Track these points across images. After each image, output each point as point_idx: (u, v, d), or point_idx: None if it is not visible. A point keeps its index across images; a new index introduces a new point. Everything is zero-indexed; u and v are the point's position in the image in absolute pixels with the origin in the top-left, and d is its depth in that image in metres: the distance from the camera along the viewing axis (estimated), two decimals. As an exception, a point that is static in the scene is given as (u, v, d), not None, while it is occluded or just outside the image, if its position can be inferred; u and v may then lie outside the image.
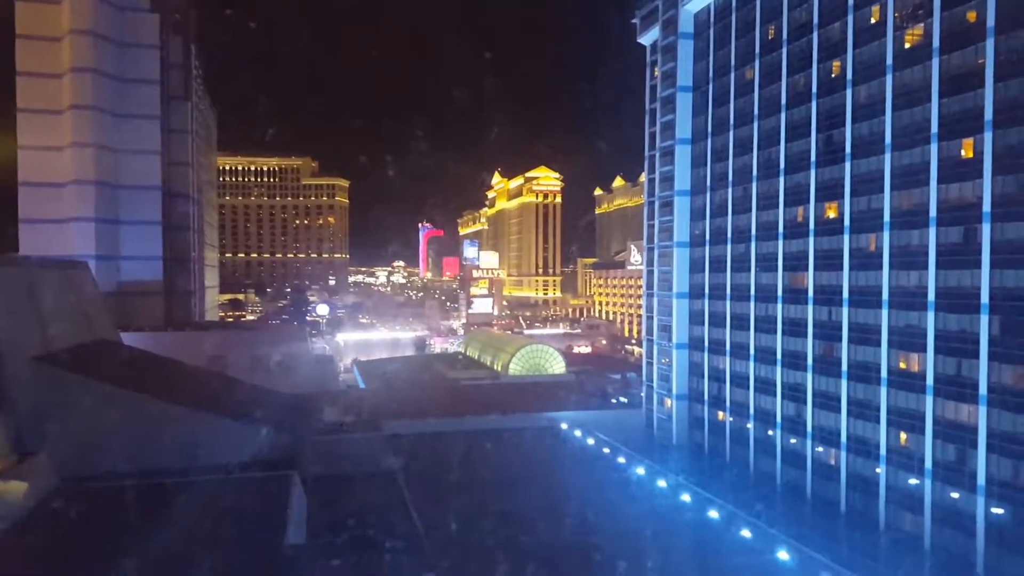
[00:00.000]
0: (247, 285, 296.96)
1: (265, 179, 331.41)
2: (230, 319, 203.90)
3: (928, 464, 53.10)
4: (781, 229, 69.59)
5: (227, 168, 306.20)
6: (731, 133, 77.25)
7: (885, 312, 57.15)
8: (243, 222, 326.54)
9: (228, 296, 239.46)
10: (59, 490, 40.59)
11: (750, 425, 73.32)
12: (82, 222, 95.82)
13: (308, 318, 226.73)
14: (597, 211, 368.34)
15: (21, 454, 41.24)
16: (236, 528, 38.19)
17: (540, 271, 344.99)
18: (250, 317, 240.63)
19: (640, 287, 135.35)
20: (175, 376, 62.14)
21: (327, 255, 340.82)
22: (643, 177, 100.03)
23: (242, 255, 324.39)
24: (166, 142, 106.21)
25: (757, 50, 73.25)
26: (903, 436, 55.60)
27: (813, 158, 65.37)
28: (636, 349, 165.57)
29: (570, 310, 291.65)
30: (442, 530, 51.69)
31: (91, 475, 42.18)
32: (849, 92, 61.19)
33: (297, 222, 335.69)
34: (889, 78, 57.05)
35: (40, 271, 57.16)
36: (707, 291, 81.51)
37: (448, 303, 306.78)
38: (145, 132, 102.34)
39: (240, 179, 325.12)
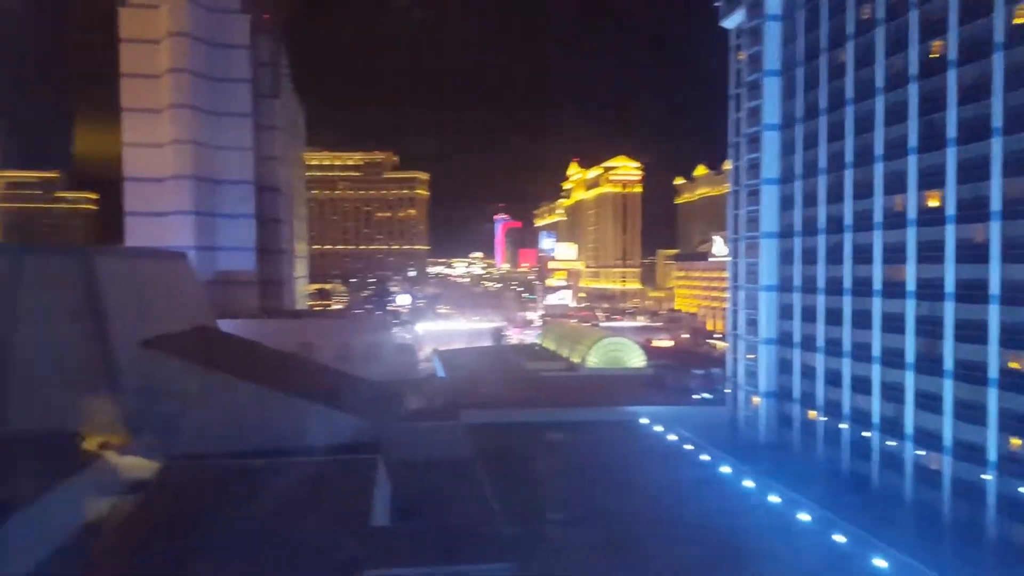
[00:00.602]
0: (333, 275, 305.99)
1: (349, 173, 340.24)
2: (318, 308, 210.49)
3: (1041, 470, 49.73)
4: (878, 219, 66.28)
5: (314, 163, 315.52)
6: (823, 118, 74.04)
7: (995, 308, 53.61)
8: (329, 215, 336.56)
9: (316, 286, 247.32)
10: (162, 467, 42.80)
11: (844, 425, 70.30)
12: (182, 215, 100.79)
13: (390, 308, 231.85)
14: (678, 201, 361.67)
15: (129, 432, 43.69)
16: (324, 509, 39.40)
17: (619, 262, 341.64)
18: (336, 306, 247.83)
19: (724, 279, 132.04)
20: (268, 361, 64.54)
21: (408, 246, 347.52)
22: (728, 165, 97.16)
23: (329, 246, 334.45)
24: (257, 138, 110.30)
25: (851, 31, 69.87)
26: (1014, 441, 52.16)
27: (913, 144, 61.92)
28: (719, 344, 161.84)
29: (650, 302, 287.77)
30: (519, 519, 51.79)
31: (190, 453, 44.30)
32: (953, 73, 57.59)
33: (380, 214, 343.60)
34: (999, 57, 53.37)
35: (144, 261, 60.35)
36: (798, 284, 78.56)
37: (525, 294, 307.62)
38: (238, 129, 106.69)
39: (326, 173, 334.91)
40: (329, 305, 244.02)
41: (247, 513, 37.31)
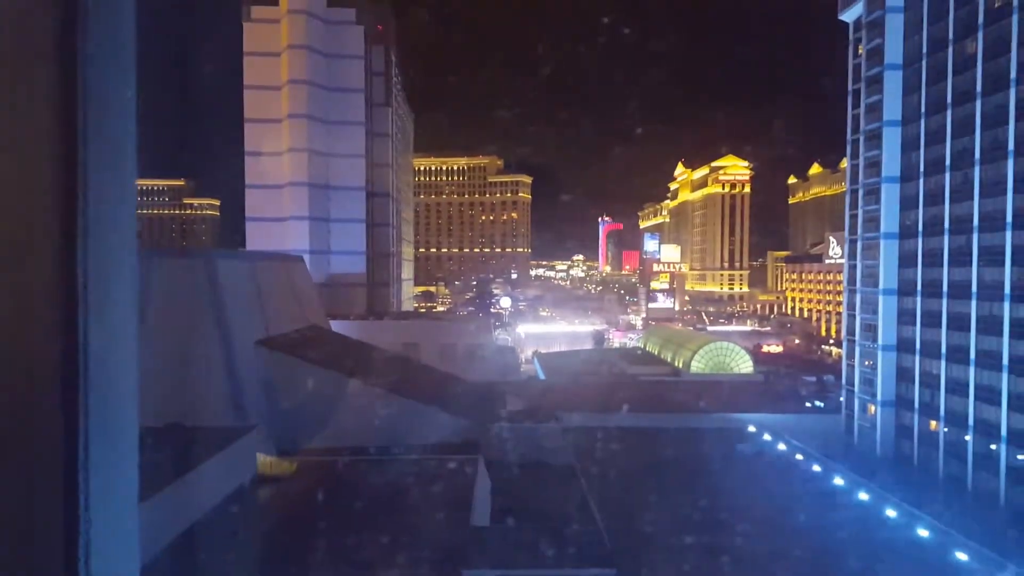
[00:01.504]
0: (438, 278, 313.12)
1: (454, 178, 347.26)
2: (423, 310, 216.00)
3: None
4: (1009, 219, 61.61)
5: (421, 168, 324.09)
6: (949, 113, 69.56)
7: None
8: (435, 218, 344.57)
9: (421, 288, 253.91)
10: (276, 461, 45.19)
11: (968, 437, 65.77)
12: (298, 220, 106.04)
13: (492, 310, 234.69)
14: (790, 201, 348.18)
15: (245, 427, 46.41)
16: (426, 507, 40.39)
17: (726, 264, 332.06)
18: (440, 308, 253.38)
19: (839, 282, 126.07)
20: (376, 361, 66.92)
21: (510, 249, 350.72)
22: (844, 163, 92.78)
23: (434, 250, 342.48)
24: (369, 146, 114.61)
25: (980, 20, 65.33)
26: None
27: (1051, 138, 57.29)
28: (834, 350, 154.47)
29: (758, 306, 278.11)
30: (620, 526, 51.31)
31: (302, 448, 46.52)
32: (1101, 60, 52.91)
33: (483, 218, 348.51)
34: None
35: (263, 263, 63.91)
36: (919, 287, 74.09)
37: (627, 297, 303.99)
38: (352, 137, 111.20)
39: (432, 178, 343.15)
40: (434, 307, 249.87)
41: (352, 509, 38.81)
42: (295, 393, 48.90)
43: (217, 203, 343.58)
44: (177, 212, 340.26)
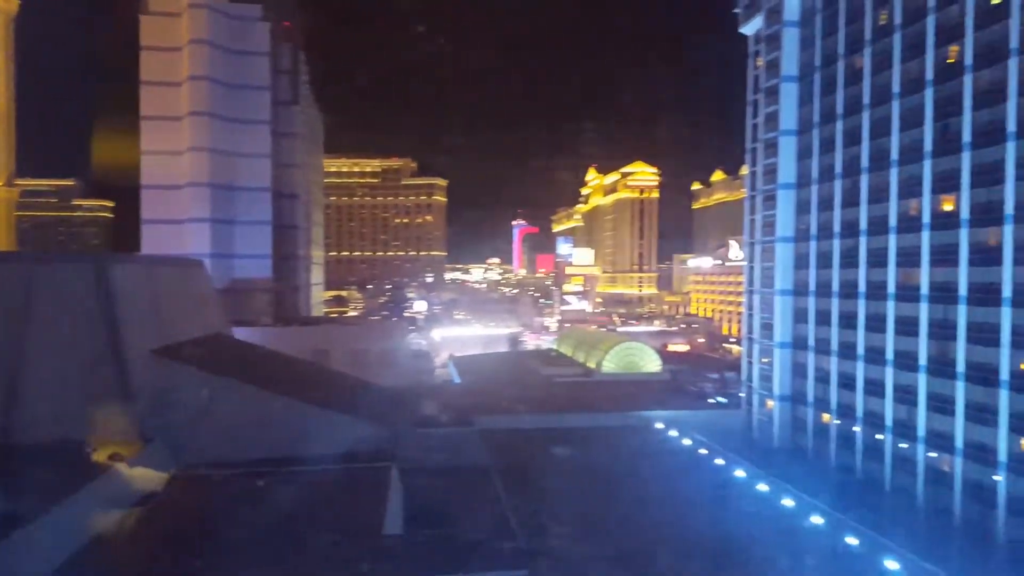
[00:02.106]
0: (350, 282, 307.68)
1: (367, 180, 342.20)
2: (334, 315, 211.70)
3: (1058, 476, 49.14)
4: (893, 223, 65.86)
5: (332, 169, 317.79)
6: (840, 123, 73.71)
7: (1007, 311, 53.15)
8: (347, 221, 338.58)
9: (332, 293, 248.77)
10: (175, 477, 43.24)
11: (857, 428, 69.82)
12: (198, 222, 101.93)
13: (406, 314, 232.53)
14: (695, 206, 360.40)
15: (142, 442, 44.20)
16: (337, 517, 39.58)
17: (635, 267, 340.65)
18: (352, 313, 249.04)
19: (739, 284, 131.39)
20: (283, 369, 65.07)
21: (425, 252, 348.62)
22: (744, 170, 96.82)
23: (346, 253, 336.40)
24: (276, 145, 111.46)
25: (868, 36, 69.56)
26: (1027, 444, 51.67)
27: (928, 148, 61.52)
28: (735, 348, 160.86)
29: (666, 307, 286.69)
30: (534, 526, 51.85)
31: (204, 462, 44.72)
32: (968, 78, 57.18)
33: (397, 221, 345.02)
34: (1013, 62, 52.94)
35: (160, 268, 61.10)
36: (813, 288, 78.17)
37: (542, 300, 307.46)
38: (256, 136, 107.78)
39: (344, 180, 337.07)
40: (345, 312, 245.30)
41: (259, 522, 37.61)
42: (195, 404, 46.94)
43: (110, 204, 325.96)
44: (66, 214, 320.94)
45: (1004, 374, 53.35)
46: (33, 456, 38.10)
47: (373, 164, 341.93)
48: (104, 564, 33.09)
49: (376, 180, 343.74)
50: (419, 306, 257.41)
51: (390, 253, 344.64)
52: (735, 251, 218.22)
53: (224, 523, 37.73)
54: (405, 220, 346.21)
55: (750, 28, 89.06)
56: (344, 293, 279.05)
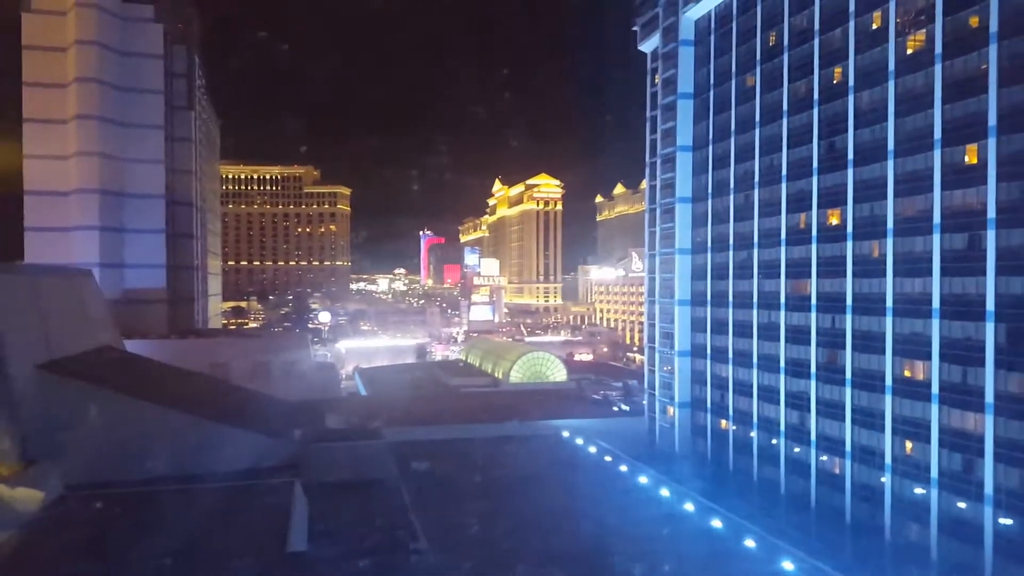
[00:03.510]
0: (249, 293, 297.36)
1: (268, 187, 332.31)
2: (233, 326, 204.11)
3: (934, 473, 52.77)
4: (783, 236, 69.54)
5: (230, 177, 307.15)
6: (732, 140, 77.30)
7: (889, 320, 56.94)
8: (246, 230, 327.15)
9: (231, 303, 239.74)
10: (63, 497, 40.55)
11: (753, 434, 73.02)
12: (86, 230, 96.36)
13: (310, 325, 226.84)
14: (598, 218, 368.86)
15: (26, 461, 41.22)
16: (239, 535, 38.13)
17: (541, 278, 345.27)
18: (253, 324, 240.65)
19: (641, 294, 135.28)
20: (179, 383, 62.15)
21: (329, 262, 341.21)
22: (644, 184, 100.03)
23: (245, 263, 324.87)
24: (170, 151, 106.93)
25: (758, 57, 73.37)
26: (908, 445, 55.32)
27: (815, 164, 65.37)
28: (638, 357, 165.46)
29: (571, 317, 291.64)
30: (442, 537, 51.43)
31: (95, 482, 42.14)
32: (851, 98, 61.22)
33: (299, 230, 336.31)
34: (891, 84, 57.09)
35: (44, 279, 57.28)
36: (709, 298, 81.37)
37: (449, 310, 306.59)
38: (149, 141, 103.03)
39: (243, 187, 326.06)
40: (245, 324, 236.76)
41: (155, 543, 35.71)
42: (84, 421, 44.17)
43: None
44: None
45: (888, 380, 57.00)
46: None
47: (273, 171, 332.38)
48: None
49: (276, 188, 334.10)
50: (323, 317, 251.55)
51: (292, 263, 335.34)
52: (636, 262, 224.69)
53: (115, 545, 35.64)
54: (308, 229, 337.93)
55: (648, 46, 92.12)
56: (244, 304, 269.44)
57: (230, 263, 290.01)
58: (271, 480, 45.22)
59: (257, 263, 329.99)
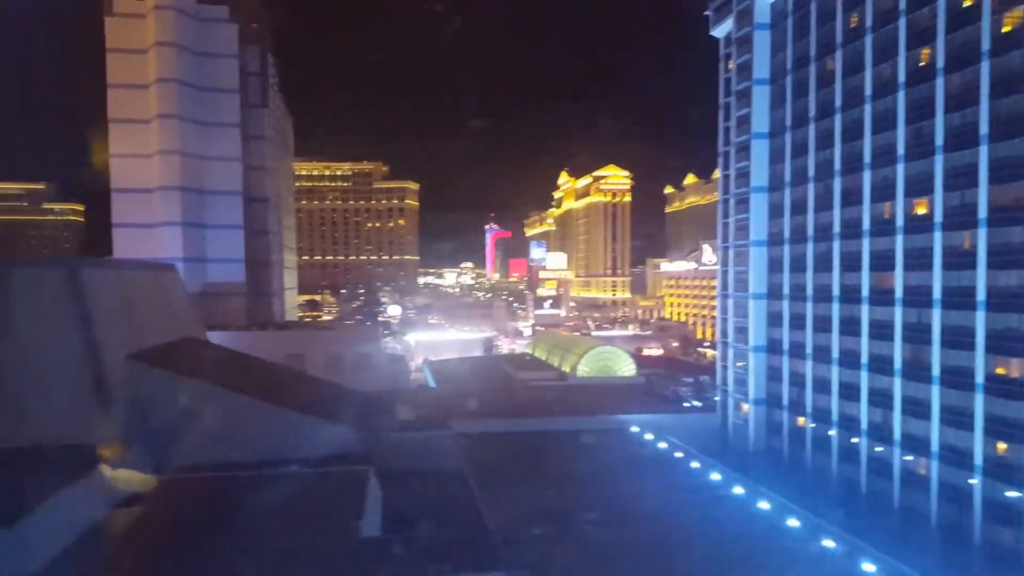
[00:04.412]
0: (323, 287, 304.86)
1: (339, 183, 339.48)
2: (308, 319, 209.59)
3: (1030, 475, 50.00)
4: (867, 227, 66.72)
5: (303, 173, 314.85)
6: (812, 126, 74.59)
7: (981, 315, 53.98)
8: (319, 225, 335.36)
9: (306, 297, 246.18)
10: (151, 480, 42.29)
11: (832, 432, 70.53)
12: (170, 226, 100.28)
13: (380, 318, 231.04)
14: (668, 210, 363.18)
15: (118, 446, 43.16)
16: (316, 520, 39.05)
17: (608, 271, 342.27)
18: (326, 317, 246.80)
19: (713, 287, 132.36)
20: (258, 373, 64.02)
21: (398, 257, 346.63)
22: (717, 174, 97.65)
23: (318, 257, 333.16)
24: (245, 149, 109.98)
25: (839, 39, 70.51)
26: (1001, 446, 52.41)
27: (901, 151, 62.43)
28: (709, 352, 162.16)
29: (640, 311, 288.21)
30: (510, 528, 51.51)
31: (179, 467, 43.82)
32: (940, 81, 58.14)
33: (369, 225, 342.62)
34: (985, 65, 53.90)
35: (132, 273, 59.81)
36: (786, 292, 78.89)
37: (515, 304, 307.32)
38: (226, 139, 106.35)
39: (315, 184, 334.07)
40: (319, 316, 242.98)
41: (236, 527, 36.93)
42: (171, 409, 45.95)
43: (81, 208, 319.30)
44: (37, 218, 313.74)
45: (979, 378, 54.09)
46: (10, 461, 37.07)
47: (344, 168, 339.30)
48: (88, 565, 32.40)
49: (347, 184, 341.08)
50: (393, 310, 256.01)
51: (363, 257, 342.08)
52: (708, 255, 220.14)
53: (201, 525, 37.01)
54: (377, 224, 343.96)
55: (721, 31, 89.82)
56: (318, 297, 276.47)
57: (304, 258, 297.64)
58: (346, 468, 46.13)
59: (330, 258, 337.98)
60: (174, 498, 40.61)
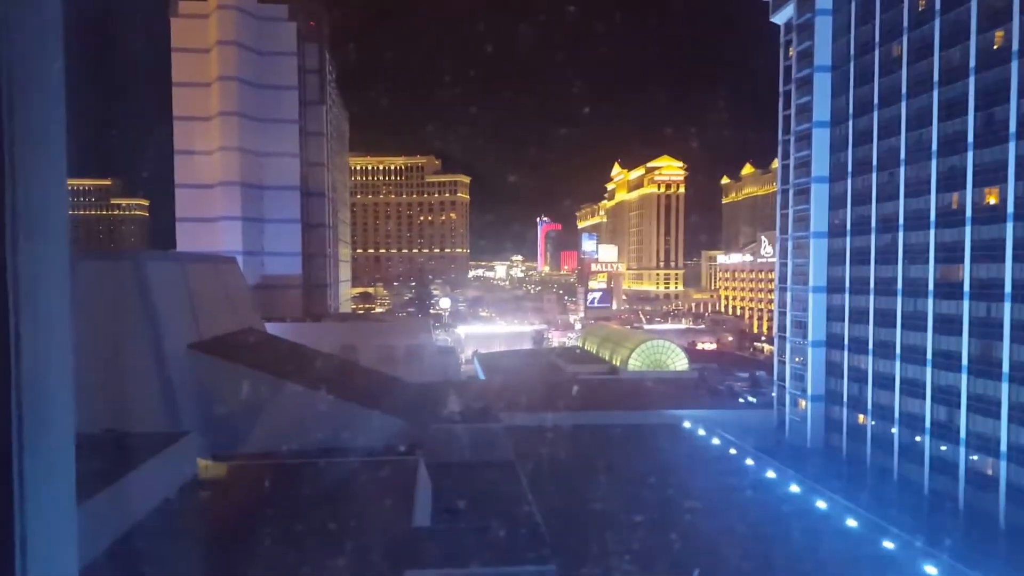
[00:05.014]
0: (376, 279, 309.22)
1: (392, 177, 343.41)
2: (361, 311, 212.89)
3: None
4: (933, 217, 64.26)
5: (357, 168, 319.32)
6: (875, 114, 72.13)
7: (1054, 308, 51.62)
8: (372, 219, 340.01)
9: (359, 289, 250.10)
10: (211, 466, 43.58)
11: (895, 430, 68.30)
12: (230, 220, 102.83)
13: (431, 311, 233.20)
14: (724, 200, 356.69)
15: (179, 433, 44.64)
16: (367, 509, 39.62)
17: (661, 264, 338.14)
18: (379, 310, 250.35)
19: (770, 280, 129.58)
20: (314, 363, 65.35)
21: (449, 250, 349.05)
22: (776, 163, 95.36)
23: (371, 251, 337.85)
24: (303, 144, 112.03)
25: (905, 24, 67.96)
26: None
27: (971, 139, 59.88)
28: (766, 347, 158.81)
29: (693, 305, 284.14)
30: (560, 521, 51.41)
31: (237, 454, 45.05)
32: (1015, 65, 55.46)
33: (421, 218, 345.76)
34: (1063, 48, 51.33)
35: (194, 265, 61.67)
36: (848, 285, 76.64)
37: (566, 297, 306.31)
38: (285, 135, 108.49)
39: (369, 178, 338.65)
40: (372, 308, 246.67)
41: (290, 513, 37.77)
42: (230, 397, 47.25)
43: (146, 203, 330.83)
44: (104, 213, 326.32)
45: (1048, 373, 51.83)
46: (82, 445, 38.72)
47: (397, 162, 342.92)
48: (148, 547, 33.63)
49: (400, 178, 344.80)
50: (444, 303, 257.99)
51: (415, 250, 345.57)
52: (766, 247, 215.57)
53: (258, 511, 37.97)
54: (429, 217, 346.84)
55: (781, 17, 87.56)
56: (371, 290, 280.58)
57: (358, 251, 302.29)
58: (397, 458, 46.73)
59: (383, 251, 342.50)
60: (232, 485, 41.74)
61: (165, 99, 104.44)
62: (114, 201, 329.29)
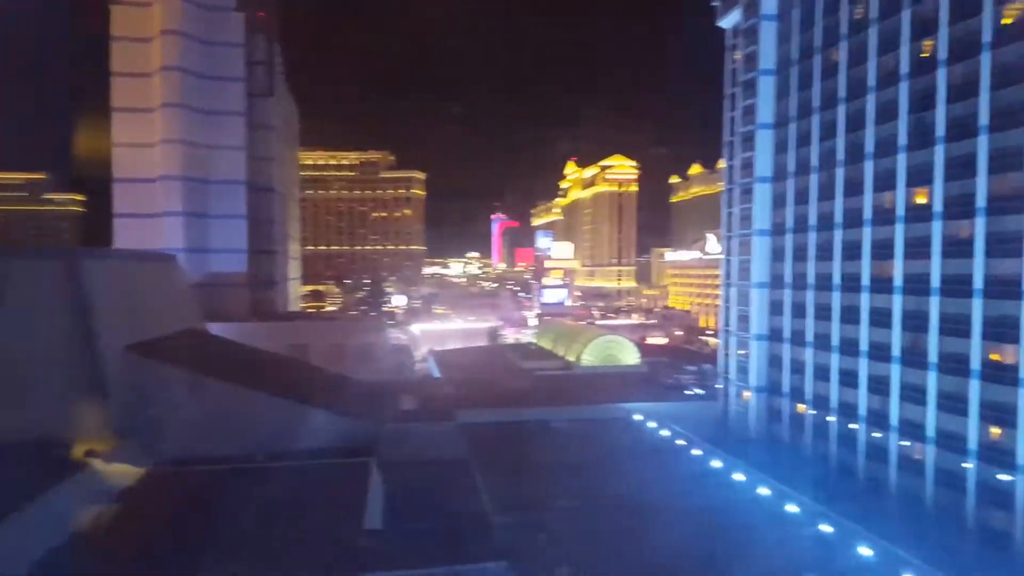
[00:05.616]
0: (328, 277, 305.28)
1: (345, 173, 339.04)
2: (312, 310, 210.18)
3: (1021, 460, 50.14)
4: (868, 216, 66.62)
5: (309, 163, 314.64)
6: (816, 117, 74.32)
7: (978, 302, 54.04)
8: (324, 215, 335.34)
9: (310, 287, 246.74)
10: (148, 473, 42.67)
11: (832, 419, 70.73)
12: (172, 216, 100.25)
13: (385, 309, 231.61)
14: (673, 199, 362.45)
15: (116, 438, 43.58)
16: (317, 513, 39.35)
17: (614, 261, 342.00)
18: (330, 308, 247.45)
19: (717, 277, 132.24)
20: (260, 364, 64.45)
21: (404, 246, 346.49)
22: (722, 164, 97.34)
23: (323, 247, 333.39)
24: (250, 138, 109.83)
25: (844, 30, 70.14)
26: (994, 430, 52.65)
27: (903, 142, 62.22)
28: (712, 340, 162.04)
29: (644, 300, 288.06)
30: (513, 517, 51.93)
31: (178, 459, 44.20)
32: (943, 72, 57.85)
33: (375, 214, 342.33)
34: (986, 56, 53.62)
35: (132, 263, 60.20)
36: (788, 280, 78.91)
37: (521, 294, 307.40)
38: (230, 128, 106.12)
39: (320, 173, 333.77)
40: (323, 307, 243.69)
41: (239, 518, 37.28)
42: (171, 401, 46.34)
43: (81, 198, 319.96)
44: (36, 208, 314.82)
45: (975, 364, 54.27)
46: (6, 454, 37.37)
47: (350, 157, 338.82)
48: (82, 560, 32.62)
49: (353, 173, 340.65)
50: (398, 301, 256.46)
51: (368, 247, 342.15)
52: (712, 244, 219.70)
53: (201, 519, 37.34)
54: (383, 214, 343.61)
55: (728, 21, 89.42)
56: (322, 288, 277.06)
57: (309, 248, 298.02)
58: (348, 460, 46.50)
59: (335, 247, 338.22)
60: (168, 492, 40.84)
61: (103, 89, 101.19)
62: (47, 196, 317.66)
